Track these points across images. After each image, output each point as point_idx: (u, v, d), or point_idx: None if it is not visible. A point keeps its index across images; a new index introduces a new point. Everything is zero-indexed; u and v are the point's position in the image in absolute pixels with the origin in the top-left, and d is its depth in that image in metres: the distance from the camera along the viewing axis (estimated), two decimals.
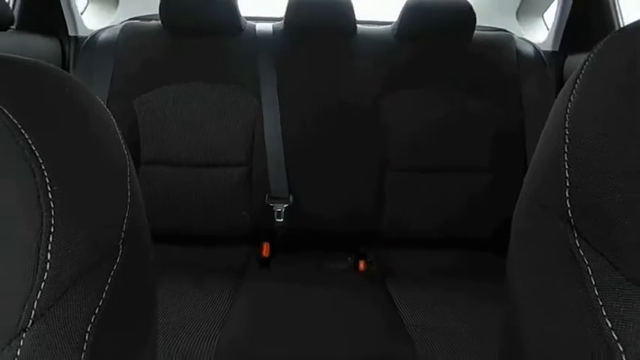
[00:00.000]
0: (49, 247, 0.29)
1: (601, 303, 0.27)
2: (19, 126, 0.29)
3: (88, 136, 0.35)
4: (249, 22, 1.33)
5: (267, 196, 1.21)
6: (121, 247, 0.35)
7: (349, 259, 1.24)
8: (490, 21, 1.54)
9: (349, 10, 1.26)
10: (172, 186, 1.21)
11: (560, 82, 1.35)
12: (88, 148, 0.34)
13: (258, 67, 1.24)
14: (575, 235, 0.29)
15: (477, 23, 1.26)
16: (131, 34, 1.28)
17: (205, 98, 1.22)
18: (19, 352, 0.28)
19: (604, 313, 0.26)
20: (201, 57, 1.24)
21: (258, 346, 0.86)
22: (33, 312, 0.29)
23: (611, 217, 0.27)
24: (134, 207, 0.37)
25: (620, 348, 0.25)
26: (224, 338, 0.87)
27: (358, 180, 1.24)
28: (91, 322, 0.31)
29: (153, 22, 1.32)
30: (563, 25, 1.33)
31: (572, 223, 0.29)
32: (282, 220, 1.20)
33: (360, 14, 1.30)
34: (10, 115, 0.29)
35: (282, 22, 1.31)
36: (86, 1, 1.50)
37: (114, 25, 1.35)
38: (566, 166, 0.30)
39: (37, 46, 1.22)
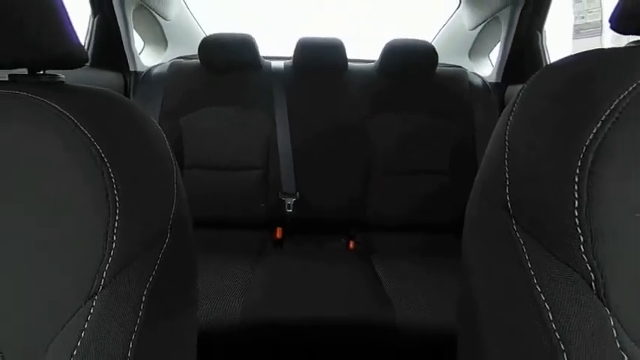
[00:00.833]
0: (115, 231, 0.29)
1: (533, 273, 0.27)
2: (92, 139, 0.30)
3: (145, 147, 0.35)
4: (266, 60, 1.33)
5: (279, 193, 1.21)
6: (169, 231, 0.35)
7: (342, 240, 1.24)
8: (449, 60, 1.55)
9: (342, 51, 1.27)
10: (207, 185, 1.21)
11: (502, 106, 1.34)
12: (144, 156, 0.35)
13: (273, 95, 1.24)
14: (514, 222, 0.29)
15: (439, 62, 1.26)
16: (177, 70, 1.28)
17: (232, 118, 1.21)
18: (92, 310, 0.29)
19: (535, 281, 0.27)
20: (230, 87, 1.24)
21: (273, 309, 0.86)
22: (102, 280, 0.29)
23: (539, 207, 0.27)
24: (179, 201, 0.37)
25: (547, 307, 0.26)
26: (247, 301, 0.87)
27: (349, 180, 1.24)
28: (146, 288, 0.31)
29: (194, 60, 1.32)
30: (504, 62, 1.32)
31: (511, 212, 0.29)
32: (291, 210, 1.20)
33: (350, 53, 1.30)
34: (85, 131, 0.30)
35: (291, 60, 1.31)
36: (143, 44, 1.50)
37: (163, 63, 1.36)
38: (506, 169, 0.30)
39: (105, 79, 1.22)
